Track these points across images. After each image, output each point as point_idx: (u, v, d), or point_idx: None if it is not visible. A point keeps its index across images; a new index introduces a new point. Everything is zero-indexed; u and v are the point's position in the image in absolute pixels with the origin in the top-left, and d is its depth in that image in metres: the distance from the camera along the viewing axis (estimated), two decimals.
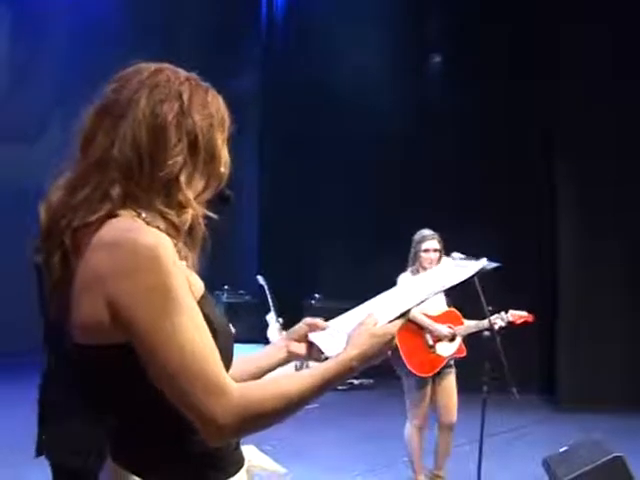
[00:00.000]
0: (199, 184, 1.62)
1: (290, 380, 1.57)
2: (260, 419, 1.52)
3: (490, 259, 5.35)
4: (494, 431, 6.49)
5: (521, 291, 8.82)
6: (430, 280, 1.91)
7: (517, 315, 5.69)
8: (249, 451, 1.82)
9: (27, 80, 10.84)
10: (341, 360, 1.64)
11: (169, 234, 1.51)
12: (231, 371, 1.79)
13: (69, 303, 1.50)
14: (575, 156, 9.37)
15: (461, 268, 1.90)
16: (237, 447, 1.68)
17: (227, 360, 1.58)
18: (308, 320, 1.98)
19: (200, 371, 1.45)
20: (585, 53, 9.20)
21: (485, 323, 5.43)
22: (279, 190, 11.38)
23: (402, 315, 1.76)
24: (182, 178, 1.56)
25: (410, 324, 5.55)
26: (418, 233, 5.73)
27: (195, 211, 1.58)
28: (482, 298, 5.26)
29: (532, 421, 8.26)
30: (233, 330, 2.03)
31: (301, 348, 1.97)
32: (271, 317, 10.19)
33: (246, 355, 1.98)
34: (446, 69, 10.87)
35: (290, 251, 11.06)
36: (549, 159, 9.82)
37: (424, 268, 5.62)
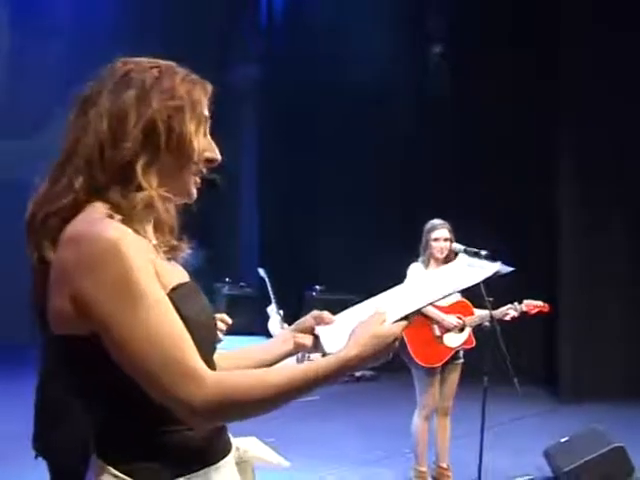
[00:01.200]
0: (167, 170, 1.62)
1: (279, 372, 1.57)
2: (239, 406, 1.51)
3: (489, 250, 5.39)
4: (495, 422, 6.49)
5: (522, 283, 8.83)
6: (442, 280, 1.85)
7: (532, 305, 5.66)
8: (250, 442, 1.82)
9: (26, 76, 10.83)
10: (338, 358, 1.60)
11: (126, 222, 1.52)
12: (232, 362, 1.80)
13: (45, 293, 1.53)
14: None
15: (474, 270, 1.83)
16: (218, 437, 1.67)
17: (204, 349, 1.58)
18: (315, 313, 1.95)
19: (169, 358, 1.46)
20: (586, 48, 9.20)
21: (497, 313, 5.43)
22: (279, 182, 11.38)
23: (408, 316, 1.70)
24: (139, 163, 1.57)
25: (417, 315, 5.54)
26: (429, 222, 5.70)
27: (149, 195, 1.57)
28: (482, 288, 5.26)
29: (533, 412, 8.27)
30: (230, 321, 2.04)
31: (308, 340, 1.94)
32: (272, 309, 10.19)
33: (250, 346, 1.98)
34: (448, 67, 10.86)
35: (291, 243, 11.08)
36: (550, 158, 9.80)
37: (435, 257, 5.61)
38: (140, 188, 1.57)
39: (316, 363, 1.58)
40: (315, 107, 10.84)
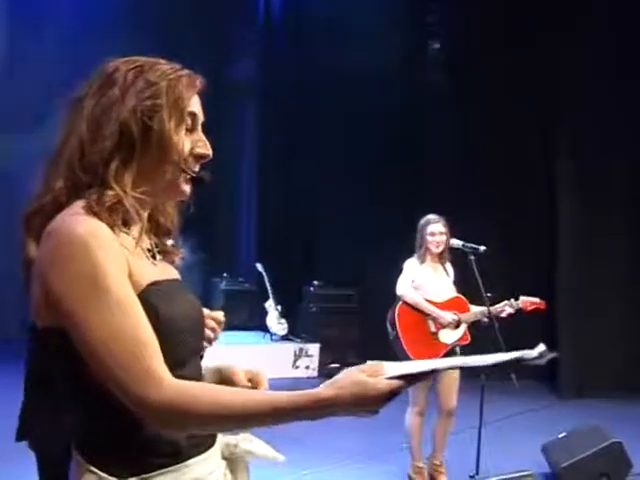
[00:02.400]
0: (147, 168, 1.62)
1: (237, 394, 1.52)
2: (190, 417, 1.48)
3: (488, 245, 5.39)
4: (493, 417, 6.50)
5: (521, 278, 8.84)
6: (468, 359, 1.73)
7: (528, 302, 5.64)
8: (244, 438, 1.81)
9: (23, 72, 10.80)
10: (309, 395, 1.48)
11: (104, 220, 1.53)
12: None
13: (29, 289, 1.57)
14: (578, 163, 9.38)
15: (504, 354, 1.71)
16: (193, 435, 1.64)
17: (180, 350, 1.58)
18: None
19: (125, 355, 1.46)
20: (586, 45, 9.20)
21: (493, 310, 5.42)
22: (278, 178, 11.36)
23: (408, 376, 1.50)
24: (113, 164, 1.57)
25: (412, 310, 5.54)
26: (423, 218, 5.70)
27: (117, 195, 1.56)
28: (481, 285, 5.26)
29: (531, 407, 8.28)
30: (222, 319, 2.02)
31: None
32: (270, 304, 10.21)
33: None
34: (448, 65, 10.85)
35: (289, 238, 11.07)
36: (550, 158, 9.79)
37: (431, 252, 5.60)
38: (111, 188, 1.57)
39: (282, 396, 1.48)
40: (314, 105, 10.82)
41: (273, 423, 1.49)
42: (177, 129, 1.63)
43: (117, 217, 1.56)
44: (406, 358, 5.54)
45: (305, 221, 10.99)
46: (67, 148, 1.59)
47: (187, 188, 1.68)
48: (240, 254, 12.38)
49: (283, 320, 10.15)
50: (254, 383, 1.81)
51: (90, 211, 1.53)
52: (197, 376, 1.69)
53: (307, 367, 9.73)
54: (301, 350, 9.78)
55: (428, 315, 5.54)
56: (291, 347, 9.87)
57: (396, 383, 1.48)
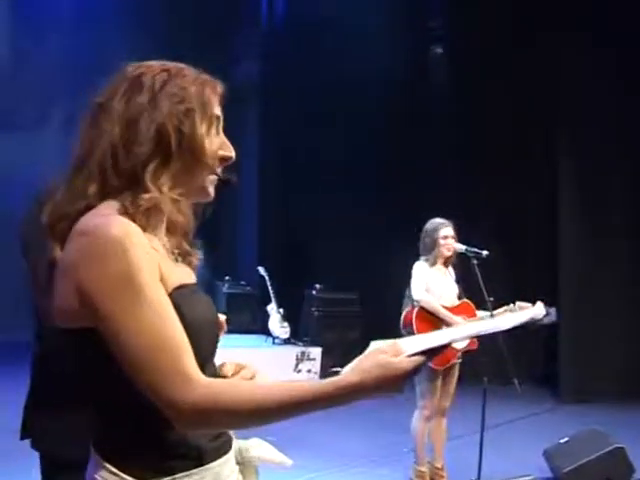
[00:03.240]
0: (181, 172, 1.63)
1: (268, 389, 1.52)
2: (225, 416, 1.50)
3: (490, 249, 5.38)
4: (495, 422, 6.49)
5: (523, 283, 8.84)
6: (476, 324, 1.76)
7: (524, 307, 5.65)
8: (253, 442, 1.82)
9: (28, 69, 10.82)
10: (335, 383, 1.50)
11: (137, 222, 1.54)
12: None
13: (51, 291, 1.56)
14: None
15: (515, 314, 1.75)
16: (215, 436, 1.66)
17: (203, 352, 1.59)
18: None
19: (160, 357, 1.46)
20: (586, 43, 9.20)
21: (495, 314, 5.41)
22: (280, 181, 11.37)
23: (428, 351, 1.55)
24: (150, 167, 1.58)
25: (428, 315, 5.53)
26: (431, 222, 5.67)
27: (156, 198, 1.57)
28: (483, 289, 5.25)
29: (533, 412, 8.27)
30: (224, 326, 2.02)
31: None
32: (272, 308, 10.20)
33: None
34: (449, 66, 10.86)
35: (291, 242, 11.08)
36: (552, 159, 9.79)
37: (442, 256, 5.59)
38: (148, 191, 1.57)
39: (313, 384, 1.51)
40: (316, 108, 10.82)
41: (303, 413, 1.51)
42: (207, 132, 1.67)
43: (151, 220, 1.58)
44: None
45: (307, 224, 10.98)
46: (96, 151, 1.58)
47: (212, 190, 1.71)
48: (242, 257, 12.39)
49: (285, 323, 10.15)
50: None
51: (125, 213, 1.54)
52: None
53: (309, 371, 9.72)
54: (303, 354, 9.77)
55: (443, 320, 5.53)
56: (293, 351, 9.86)
57: (419, 359, 1.52)
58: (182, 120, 1.62)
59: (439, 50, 11.04)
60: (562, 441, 5.88)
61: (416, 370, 1.52)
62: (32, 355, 2.41)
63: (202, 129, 1.65)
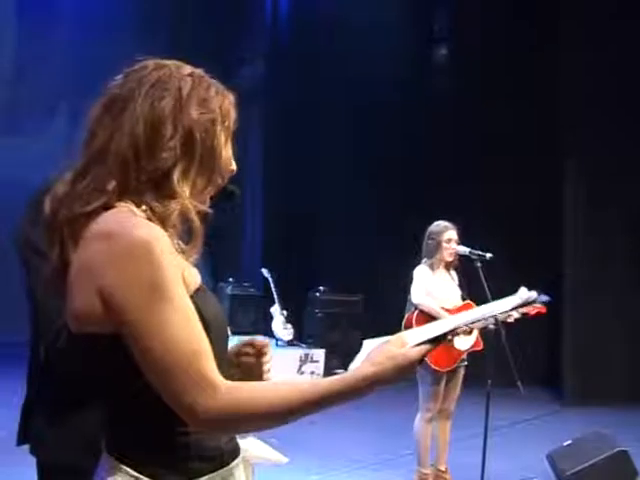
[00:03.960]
0: (198, 180, 1.63)
1: (288, 388, 1.52)
2: (245, 419, 1.51)
3: (493, 252, 5.38)
4: (498, 424, 6.48)
5: (526, 284, 8.81)
6: (474, 310, 1.80)
7: (531, 306, 5.63)
8: (248, 442, 1.82)
9: (33, 72, 10.83)
10: (348, 378, 1.53)
11: (162, 226, 1.54)
12: None
13: (66, 293, 1.53)
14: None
15: (506, 299, 1.78)
16: (230, 439, 1.67)
17: (219, 354, 1.58)
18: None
19: (185, 363, 1.46)
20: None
21: (499, 315, 5.39)
22: (284, 183, 11.36)
23: (432, 340, 1.60)
24: (175, 172, 1.57)
25: (428, 318, 5.52)
26: (435, 224, 5.65)
27: (185, 204, 1.57)
28: (487, 291, 5.24)
29: (537, 415, 8.26)
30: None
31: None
32: (275, 309, 10.19)
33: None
34: (452, 66, 10.86)
35: (294, 244, 11.07)
36: (556, 158, 9.77)
37: (445, 260, 5.58)
38: (173, 196, 1.57)
39: (328, 381, 1.54)
40: (319, 106, 10.83)
41: (322, 409, 1.53)
42: (225, 145, 1.67)
43: (176, 224, 1.58)
44: (424, 364, 5.51)
45: (311, 226, 10.98)
46: (115, 147, 1.55)
47: (207, 203, 1.69)
48: (246, 259, 12.39)
49: (289, 325, 10.14)
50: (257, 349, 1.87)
51: (153, 215, 1.53)
52: None
53: (312, 372, 9.71)
54: (306, 355, 9.76)
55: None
56: (296, 352, 9.86)
57: (424, 347, 1.58)
58: (208, 128, 1.62)
59: (442, 50, 11.03)
60: (565, 444, 5.86)
61: (422, 358, 1.58)
62: (30, 359, 2.37)
63: (222, 140, 1.65)
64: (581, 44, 9.24)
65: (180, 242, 1.67)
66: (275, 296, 10.18)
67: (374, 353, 1.56)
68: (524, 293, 1.76)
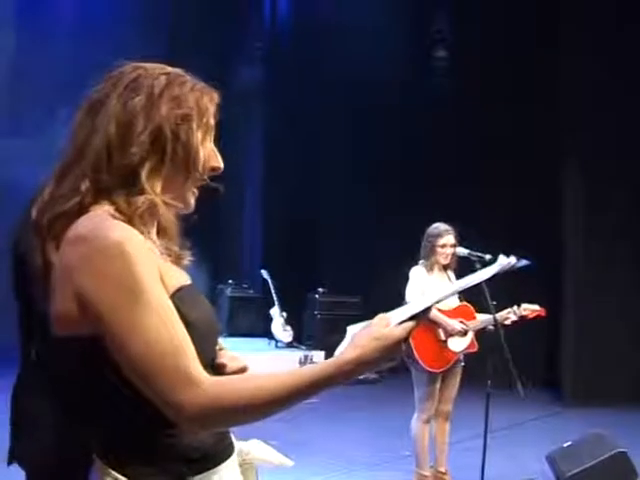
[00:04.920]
0: (173, 176, 1.63)
1: (270, 378, 1.52)
2: (230, 413, 1.50)
3: (493, 251, 5.37)
4: (498, 426, 6.48)
5: (526, 286, 8.82)
6: (453, 283, 1.80)
7: (530, 309, 5.64)
8: (252, 445, 1.82)
9: (30, 76, 10.84)
10: (336, 361, 1.53)
11: (134, 225, 1.53)
12: None
13: (48, 295, 1.53)
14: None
15: (485, 269, 1.79)
16: (219, 440, 1.66)
17: (205, 353, 1.58)
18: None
19: (165, 361, 1.46)
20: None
21: (498, 317, 5.39)
22: (283, 185, 11.38)
23: (415, 317, 1.59)
24: (145, 168, 1.57)
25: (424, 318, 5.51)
26: (434, 227, 5.66)
27: (152, 199, 1.57)
28: (486, 292, 5.24)
29: (537, 416, 8.26)
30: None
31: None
32: (275, 311, 10.21)
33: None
34: (452, 68, 10.87)
35: (294, 245, 11.08)
36: (556, 159, 9.78)
37: (439, 263, 5.59)
38: (143, 192, 1.57)
39: (312, 367, 1.54)
40: (319, 109, 10.84)
41: (310, 396, 1.52)
42: (202, 141, 1.66)
43: (148, 222, 1.57)
44: (416, 366, 5.54)
45: (310, 228, 10.99)
46: (90, 148, 1.57)
47: (193, 202, 1.69)
48: (245, 261, 12.40)
49: (288, 327, 10.15)
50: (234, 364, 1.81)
51: (121, 214, 1.53)
52: None
53: None
54: (306, 357, 9.77)
55: (437, 323, 5.52)
56: (296, 354, 9.87)
57: (409, 324, 1.58)
58: (179, 125, 1.61)
59: (442, 51, 11.04)
60: (565, 445, 5.86)
61: (408, 335, 1.57)
62: (20, 371, 2.33)
63: (198, 137, 1.65)
64: (584, 47, 9.25)
65: (171, 244, 1.67)
66: (275, 298, 10.19)
67: (358, 336, 1.57)
68: (503, 260, 1.76)
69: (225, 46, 11.53)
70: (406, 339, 1.57)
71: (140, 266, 1.47)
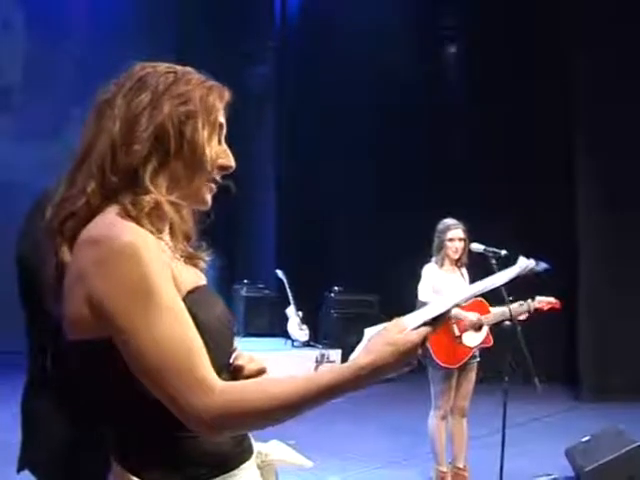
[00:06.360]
0: (180, 175, 1.61)
1: (284, 385, 1.50)
2: (243, 418, 1.48)
3: (509, 249, 5.36)
4: (516, 421, 6.46)
5: (543, 282, 8.78)
6: (471, 285, 1.77)
7: (544, 301, 5.62)
8: (272, 446, 1.81)
9: (43, 79, 10.88)
10: (349, 367, 1.50)
11: (143, 226, 1.52)
12: None
13: (61, 299, 1.53)
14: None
15: (504, 271, 1.72)
16: (237, 443, 1.65)
17: (219, 355, 1.57)
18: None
19: (178, 366, 1.44)
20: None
21: (512, 311, 5.37)
22: (298, 184, 11.38)
23: (432, 322, 1.56)
24: (148, 166, 1.56)
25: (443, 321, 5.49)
26: (442, 222, 5.68)
27: (157, 199, 1.55)
28: (503, 289, 5.22)
29: (554, 411, 8.24)
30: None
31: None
32: (291, 310, 10.21)
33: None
34: (462, 67, 10.85)
35: (309, 245, 11.07)
36: (571, 156, 9.74)
37: (449, 257, 5.60)
38: (148, 192, 1.55)
39: (324, 373, 1.51)
40: (333, 110, 10.83)
41: (324, 403, 1.50)
42: (209, 139, 1.64)
43: (156, 222, 1.55)
44: (431, 363, 5.54)
45: (325, 227, 10.99)
46: (96, 148, 1.56)
47: (209, 198, 1.68)
48: (261, 260, 12.40)
49: (304, 326, 10.15)
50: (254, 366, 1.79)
51: (128, 216, 1.51)
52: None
53: None
54: (322, 356, 9.77)
55: (451, 319, 5.50)
56: (312, 353, 9.87)
57: (424, 329, 1.54)
58: (183, 122, 1.60)
59: (453, 49, 11.03)
60: (584, 440, 5.85)
61: (424, 341, 1.53)
62: (28, 378, 2.32)
63: (204, 134, 1.62)
64: (600, 41, 9.20)
65: (184, 244, 1.67)
66: (290, 297, 10.19)
67: (372, 341, 1.54)
68: (523, 262, 1.72)
69: (234, 44, 11.52)
70: (422, 344, 1.54)
71: (152, 268, 1.46)
